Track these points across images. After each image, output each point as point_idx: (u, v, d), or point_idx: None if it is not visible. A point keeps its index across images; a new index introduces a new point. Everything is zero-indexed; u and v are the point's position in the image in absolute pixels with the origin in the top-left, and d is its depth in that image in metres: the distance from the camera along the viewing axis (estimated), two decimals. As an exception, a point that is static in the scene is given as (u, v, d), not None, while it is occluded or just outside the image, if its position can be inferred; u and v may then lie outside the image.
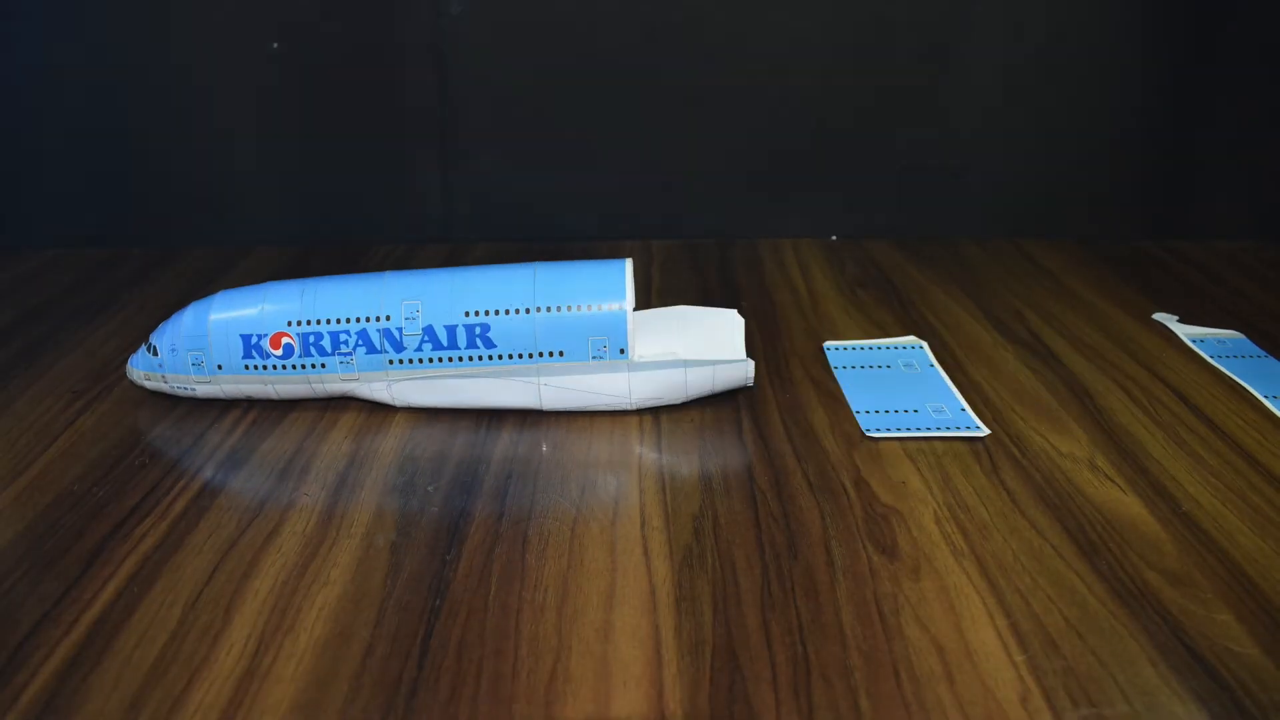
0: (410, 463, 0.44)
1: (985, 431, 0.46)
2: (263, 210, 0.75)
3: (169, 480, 0.43)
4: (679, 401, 0.48)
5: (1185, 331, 0.56)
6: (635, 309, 0.46)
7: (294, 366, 0.47)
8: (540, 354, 0.46)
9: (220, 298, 0.47)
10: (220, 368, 0.47)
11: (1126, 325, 0.58)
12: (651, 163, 0.74)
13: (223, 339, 0.46)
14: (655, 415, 0.48)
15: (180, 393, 0.49)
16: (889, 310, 0.61)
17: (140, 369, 0.49)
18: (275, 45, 0.70)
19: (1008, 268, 0.68)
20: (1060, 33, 0.70)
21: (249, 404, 0.49)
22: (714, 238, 0.75)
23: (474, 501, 0.41)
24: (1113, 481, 0.42)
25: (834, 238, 0.75)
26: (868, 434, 0.45)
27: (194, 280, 0.67)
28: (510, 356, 0.46)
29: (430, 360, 0.46)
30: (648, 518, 0.40)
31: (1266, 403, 0.48)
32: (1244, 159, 0.73)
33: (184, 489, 0.42)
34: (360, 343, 0.46)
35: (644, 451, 0.45)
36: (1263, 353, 0.54)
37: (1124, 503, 0.40)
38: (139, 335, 0.56)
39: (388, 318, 0.46)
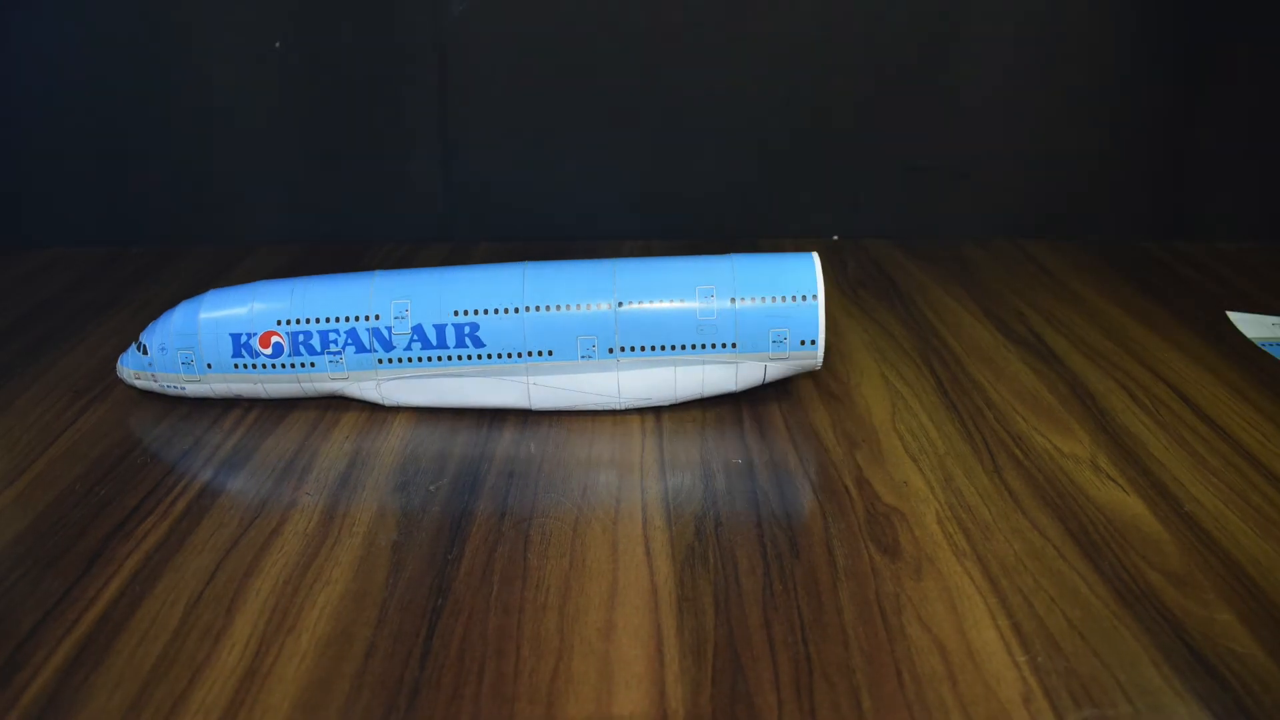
0: (412, 462, 0.44)
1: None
2: (264, 209, 0.75)
3: (171, 479, 0.43)
4: (669, 403, 0.48)
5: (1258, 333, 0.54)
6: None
7: (283, 365, 0.47)
8: (529, 353, 0.46)
9: (210, 296, 0.47)
10: (210, 366, 0.47)
11: (1128, 325, 0.58)
12: (653, 162, 0.74)
13: (212, 338, 0.46)
14: (657, 415, 0.48)
15: (170, 392, 0.48)
16: (890, 310, 0.61)
17: (130, 368, 0.49)
18: (277, 44, 0.70)
19: (1009, 268, 0.68)
20: (1062, 32, 0.70)
21: (250, 404, 0.49)
22: (715, 238, 0.75)
23: (475, 501, 0.41)
24: (1115, 482, 0.42)
25: (835, 238, 0.75)
26: None
27: (195, 279, 0.67)
28: (499, 356, 0.46)
29: (419, 359, 0.46)
30: (649, 517, 0.40)
31: None
32: (1247, 159, 0.73)
33: (186, 488, 0.42)
34: (349, 342, 0.46)
35: (645, 451, 0.45)
36: None
37: (1126, 503, 0.40)
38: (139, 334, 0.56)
39: (377, 317, 0.46)
